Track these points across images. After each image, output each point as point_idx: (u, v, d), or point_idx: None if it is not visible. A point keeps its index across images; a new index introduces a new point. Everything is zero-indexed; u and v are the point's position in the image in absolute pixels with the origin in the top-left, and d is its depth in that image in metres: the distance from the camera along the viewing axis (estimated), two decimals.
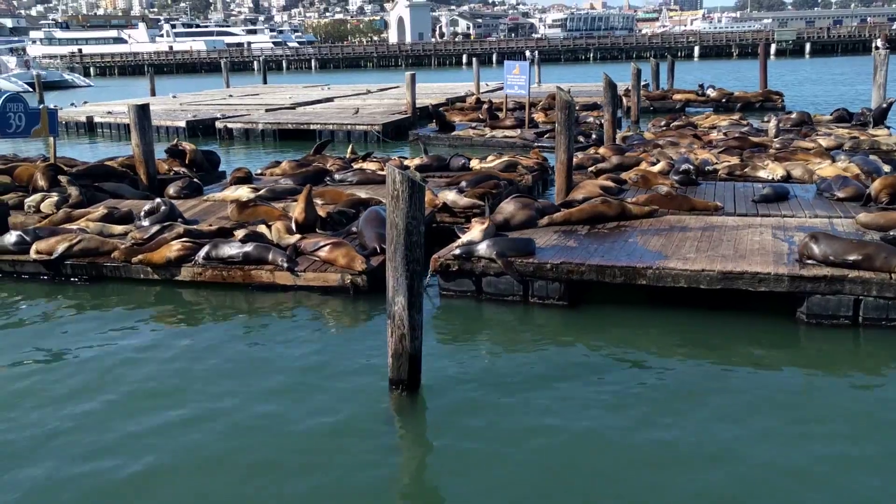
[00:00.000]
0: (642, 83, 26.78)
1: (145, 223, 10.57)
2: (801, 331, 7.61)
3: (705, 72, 40.97)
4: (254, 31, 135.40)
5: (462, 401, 6.45)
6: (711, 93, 28.74)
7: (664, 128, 19.55)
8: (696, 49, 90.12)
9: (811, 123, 19.48)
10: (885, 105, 19.13)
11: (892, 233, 8.24)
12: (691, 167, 12.61)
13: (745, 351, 7.23)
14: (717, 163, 13.81)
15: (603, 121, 18.86)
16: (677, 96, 29.64)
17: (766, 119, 20.82)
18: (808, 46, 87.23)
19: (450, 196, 11.27)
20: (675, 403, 6.29)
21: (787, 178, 12.82)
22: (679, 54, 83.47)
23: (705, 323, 7.85)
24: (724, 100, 28.47)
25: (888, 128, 18.50)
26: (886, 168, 13.14)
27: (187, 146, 16.05)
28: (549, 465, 5.49)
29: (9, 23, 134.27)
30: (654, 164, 13.42)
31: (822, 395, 6.44)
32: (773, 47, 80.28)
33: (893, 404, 6.24)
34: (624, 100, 27.03)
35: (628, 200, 10.53)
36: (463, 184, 12.24)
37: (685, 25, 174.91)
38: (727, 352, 7.23)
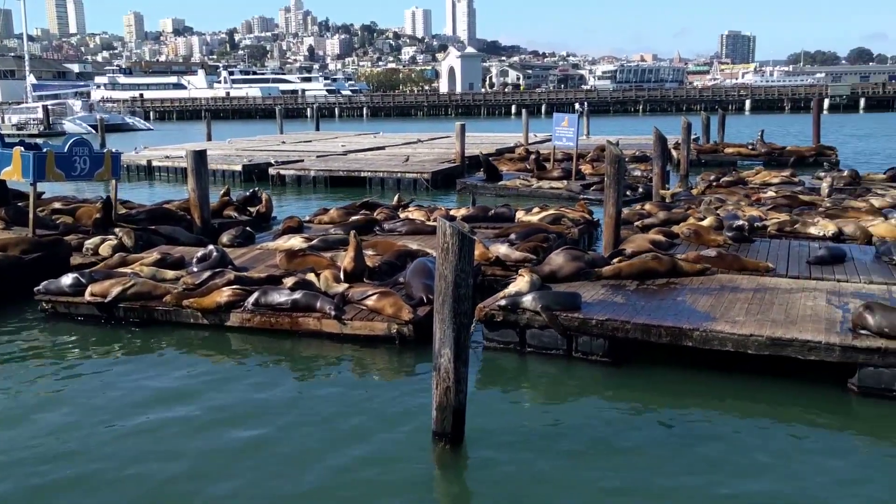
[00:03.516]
0: (692, 136, 26.71)
1: (196, 269, 10.81)
2: (851, 402, 7.36)
3: (757, 126, 40.80)
4: (308, 79, 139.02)
5: (505, 456, 6.40)
6: (761, 148, 28.68)
7: (714, 182, 19.41)
8: (748, 102, 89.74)
9: (859, 181, 19.20)
10: None
11: None
12: (745, 223, 12.48)
13: (790, 420, 7.02)
14: (765, 219, 13.65)
15: (651, 174, 18.84)
16: (728, 150, 29.49)
17: (817, 176, 20.56)
18: (862, 101, 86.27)
19: (501, 249, 11.31)
20: (719, 471, 6.15)
21: (840, 234, 12.60)
22: (730, 108, 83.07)
23: (752, 388, 7.65)
24: (776, 154, 28.27)
25: None
26: None
27: (265, 195, 17.47)
28: None
29: (76, 68, 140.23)
30: (701, 219, 13.32)
31: (868, 468, 6.20)
32: (826, 102, 79.40)
33: None
34: (674, 153, 26.95)
35: (679, 256, 10.43)
36: (513, 237, 12.31)
37: (737, 78, 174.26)
38: (773, 420, 7.03)
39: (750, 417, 7.08)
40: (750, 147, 29.55)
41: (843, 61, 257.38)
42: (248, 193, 17.88)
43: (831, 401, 7.36)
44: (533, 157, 25.47)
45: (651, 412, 7.24)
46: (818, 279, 10.00)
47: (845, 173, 19.89)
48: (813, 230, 12.86)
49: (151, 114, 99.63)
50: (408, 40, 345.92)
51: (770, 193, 16.89)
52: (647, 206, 15.10)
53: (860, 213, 14.09)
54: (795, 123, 57.75)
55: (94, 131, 47.98)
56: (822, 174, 20.51)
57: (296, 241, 12.46)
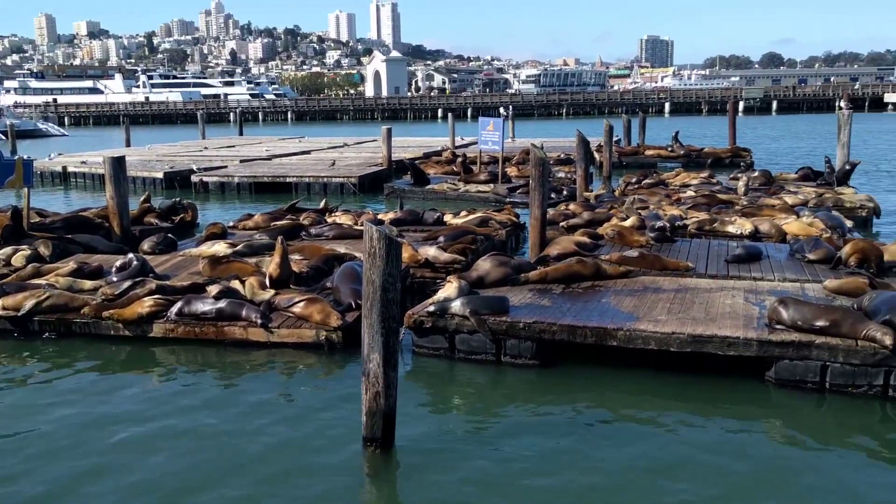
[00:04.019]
0: (614, 139, 27.31)
1: (116, 279, 10.47)
2: (769, 394, 7.63)
3: (676, 128, 41.90)
4: (231, 83, 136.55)
5: (435, 459, 6.41)
6: (679, 149, 29.61)
7: (636, 185, 19.88)
8: (667, 105, 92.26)
9: (773, 180, 19.99)
10: (848, 167, 19.62)
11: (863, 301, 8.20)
12: (666, 224, 12.81)
13: (712, 414, 7.24)
14: (686, 218, 14.07)
15: (575, 176, 19.18)
16: (649, 152, 30.26)
17: (734, 176, 21.29)
18: (774, 104, 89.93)
19: (431, 251, 11.35)
20: (641, 465, 6.29)
21: (756, 232, 13.10)
22: (650, 110, 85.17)
23: (675, 385, 7.86)
24: (694, 155, 29.17)
25: (852, 187, 18.94)
26: (849, 223, 13.49)
27: (189, 204, 17.37)
28: None
29: None
30: (624, 219, 13.62)
31: (785, 459, 6.44)
32: (741, 104, 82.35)
33: (853, 471, 6.25)
34: (596, 155, 27.49)
35: (602, 257, 10.64)
36: (441, 239, 12.36)
37: (656, 82, 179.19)
38: (695, 414, 7.23)
39: (674, 411, 7.26)
40: (669, 149, 30.41)
41: (756, 65, 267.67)
42: (170, 203, 17.37)
43: (750, 393, 7.61)
44: (460, 160, 25.62)
45: (578, 412, 7.35)
46: (736, 278, 10.34)
47: (756, 174, 20.64)
48: (731, 228, 13.31)
49: (66, 119, 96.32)
50: (332, 44, 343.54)
51: (689, 193, 17.41)
52: (572, 206, 15.37)
53: (774, 211, 14.68)
54: (712, 125, 59.67)
55: (3, 138, 46.09)
56: (738, 174, 21.24)
57: (220, 247, 12.22)
